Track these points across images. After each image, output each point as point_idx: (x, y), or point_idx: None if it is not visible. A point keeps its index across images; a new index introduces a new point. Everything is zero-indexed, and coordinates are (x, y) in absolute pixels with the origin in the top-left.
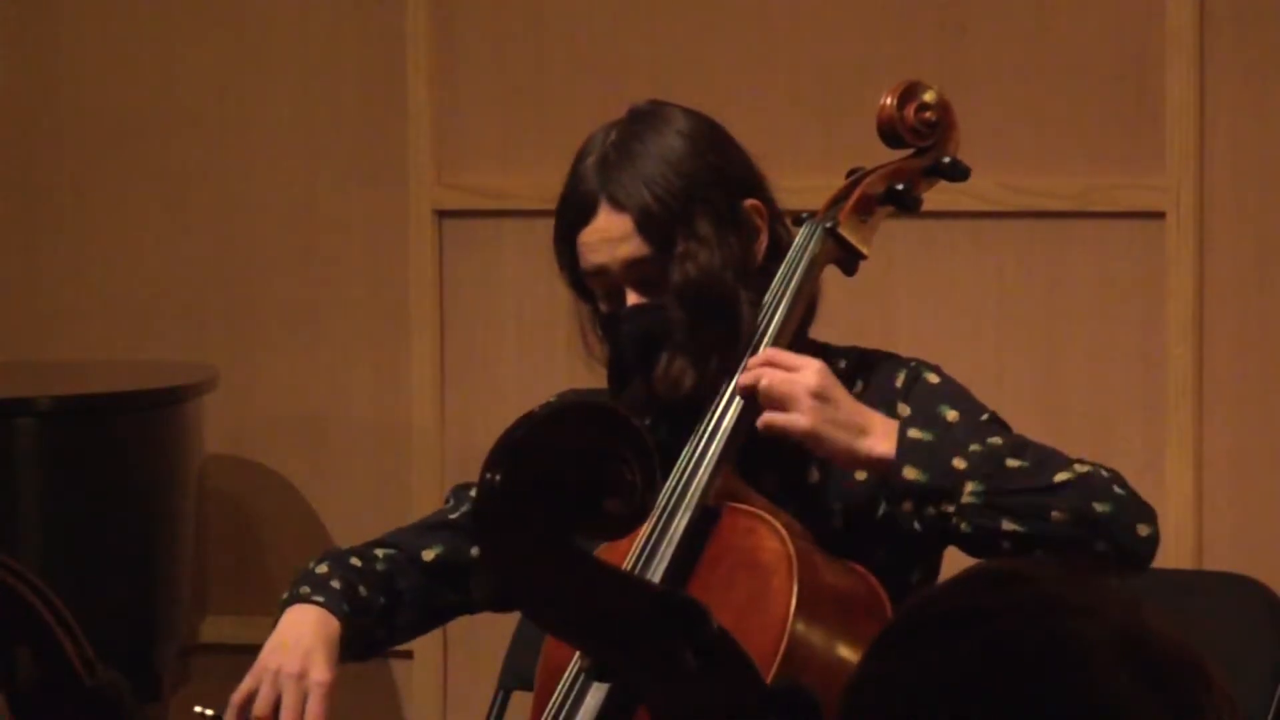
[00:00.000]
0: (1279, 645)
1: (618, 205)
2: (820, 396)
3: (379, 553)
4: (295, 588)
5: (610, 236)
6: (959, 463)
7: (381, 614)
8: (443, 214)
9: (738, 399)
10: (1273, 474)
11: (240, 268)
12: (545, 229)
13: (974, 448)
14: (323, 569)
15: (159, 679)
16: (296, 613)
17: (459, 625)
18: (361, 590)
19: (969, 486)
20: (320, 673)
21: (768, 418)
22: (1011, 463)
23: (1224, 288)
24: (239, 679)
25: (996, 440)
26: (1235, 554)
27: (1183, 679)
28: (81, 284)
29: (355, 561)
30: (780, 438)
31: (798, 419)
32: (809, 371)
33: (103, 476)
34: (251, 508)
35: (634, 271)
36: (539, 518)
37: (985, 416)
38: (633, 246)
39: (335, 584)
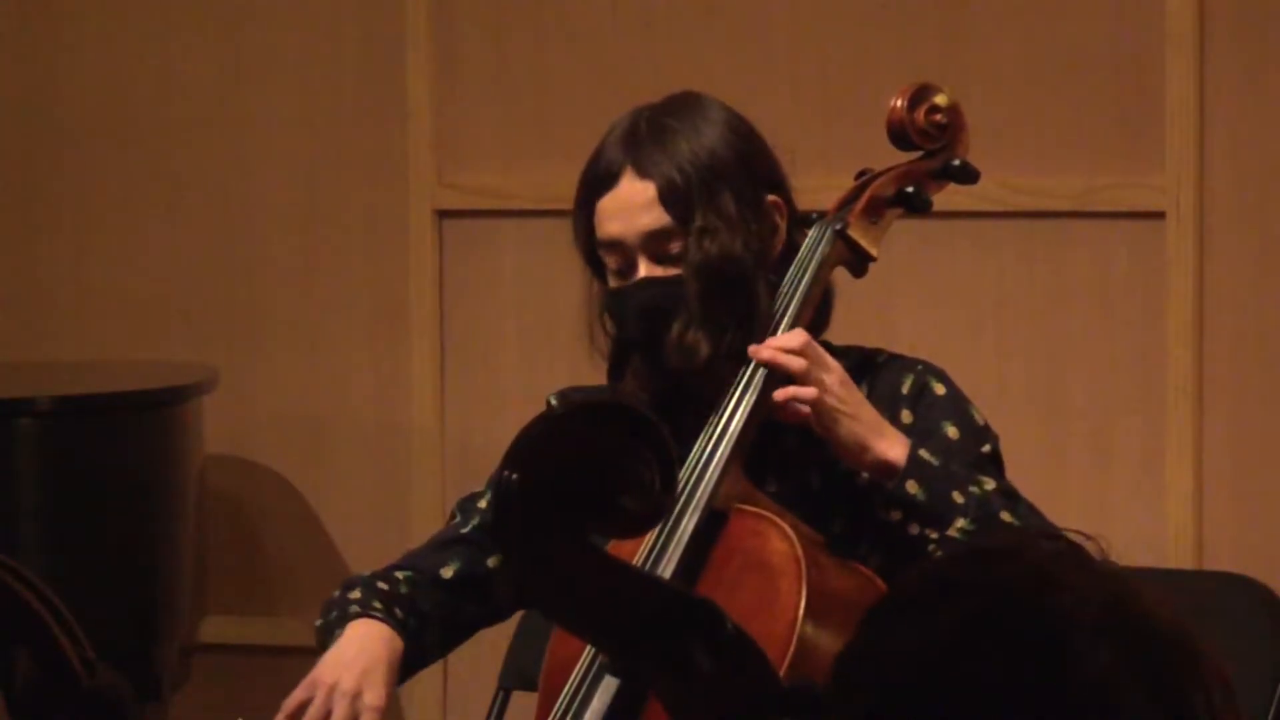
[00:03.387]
0: (1279, 645)
1: (643, 173)
2: (846, 388)
3: (399, 575)
4: (335, 611)
5: (632, 204)
6: (958, 497)
7: (414, 636)
8: (443, 214)
9: (747, 401)
10: (1273, 474)
11: (240, 268)
12: (545, 229)
13: (973, 489)
14: (355, 594)
15: (159, 679)
16: (362, 627)
17: None
18: (397, 612)
19: (959, 522)
20: (375, 695)
21: (795, 391)
22: (1005, 516)
23: (1224, 288)
24: (239, 679)
25: (992, 486)
26: (1235, 554)
27: (1166, 658)
28: (81, 284)
29: (382, 585)
30: (784, 428)
31: (828, 399)
32: (834, 365)
33: (103, 476)
34: (251, 508)
35: (651, 244)
36: (556, 515)
37: (986, 448)
38: (653, 217)
39: (377, 605)
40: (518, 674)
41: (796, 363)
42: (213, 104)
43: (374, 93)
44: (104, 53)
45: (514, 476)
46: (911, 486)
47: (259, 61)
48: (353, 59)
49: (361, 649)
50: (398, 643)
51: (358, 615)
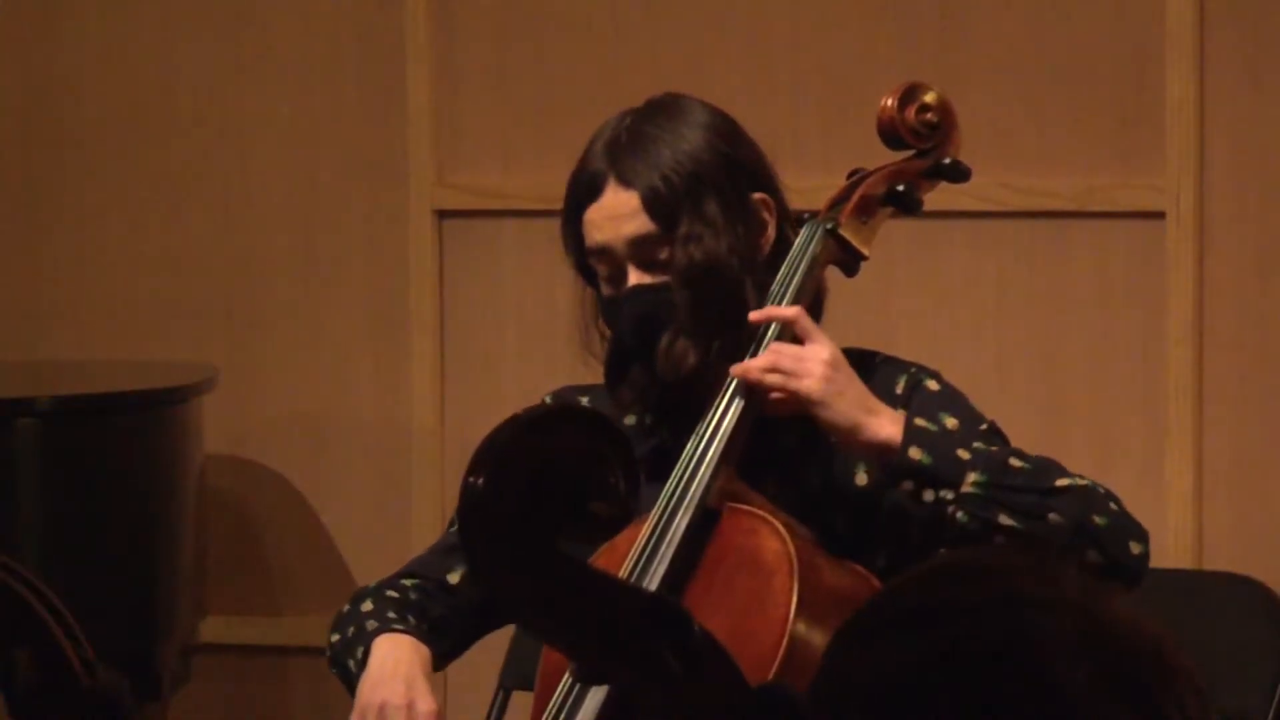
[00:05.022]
0: (1279, 645)
1: (625, 183)
2: (833, 367)
3: (406, 583)
4: (351, 627)
5: (616, 213)
6: (963, 453)
7: (428, 641)
8: (443, 214)
9: (738, 400)
10: (1273, 474)
11: (240, 268)
12: (545, 229)
13: (978, 445)
14: (367, 606)
15: (159, 679)
16: (388, 642)
17: None
18: (410, 619)
19: (971, 477)
20: (426, 702)
21: (779, 381)
22: (1015, 463)
23: (1224, 288)
24: (239, 679)
25: (997, 445)
26: (1235, 554)
27: (1142, 675)
28: (81, 284)
29: (392, 594)
30: (782, 429)
31: (808, 384)
32: (822, 345)
33: (103, 476)
34: (251, 508)
35: (638, 250)
36: (523, 521)
37: (984, 426)
38: (638, 224)
39: (391, 615)
40: (518, 673)
41: (757, 371)
42: (213, 104)
43: (374, 93)
44: (104, 53)
45: (479, 481)
46: (915, 452)
47: (259, 61)
48: (353, 59)
49: (397, 662)
50: (424, 649)
51: (377, 630)
